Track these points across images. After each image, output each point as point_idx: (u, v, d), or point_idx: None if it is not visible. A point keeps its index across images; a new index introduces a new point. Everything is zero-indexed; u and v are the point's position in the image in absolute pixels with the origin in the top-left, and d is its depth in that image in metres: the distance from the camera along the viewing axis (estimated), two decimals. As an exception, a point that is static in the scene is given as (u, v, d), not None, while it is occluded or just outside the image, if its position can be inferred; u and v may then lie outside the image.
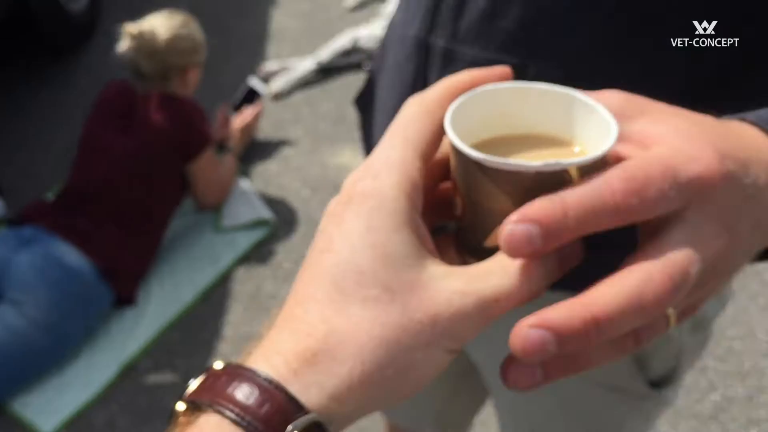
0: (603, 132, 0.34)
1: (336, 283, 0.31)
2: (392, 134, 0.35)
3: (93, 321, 1.95)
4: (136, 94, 2.10)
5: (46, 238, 1.92)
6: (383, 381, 0.31)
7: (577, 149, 0.36)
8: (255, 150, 2.56)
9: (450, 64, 0.67)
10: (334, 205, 0.34)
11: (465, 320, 0.31)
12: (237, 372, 0.31)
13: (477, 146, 0.35)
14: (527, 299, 0.32)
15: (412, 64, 0.71)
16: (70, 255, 1.90)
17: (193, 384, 0.32)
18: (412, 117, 0.35)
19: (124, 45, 2.09)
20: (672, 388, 0.84)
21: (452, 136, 0.33)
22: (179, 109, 2.06)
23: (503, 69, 0.37)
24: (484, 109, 0.36)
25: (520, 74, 0.62)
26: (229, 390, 0.30)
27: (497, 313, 0.32)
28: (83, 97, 2.90)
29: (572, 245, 0.33)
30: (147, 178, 2.05)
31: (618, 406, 0.85)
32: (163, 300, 2.07)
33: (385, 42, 0.79)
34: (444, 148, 0.37)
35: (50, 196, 2.33)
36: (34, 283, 1.83)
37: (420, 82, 0.70)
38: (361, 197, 0.33)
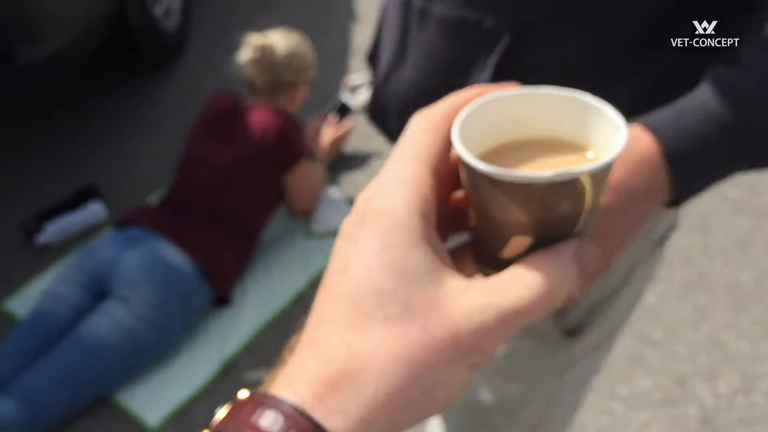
0: (611, 132, 0.33)
1: (355, 305, 0.31)
2: (400, 151, 0.35)
3: (193, 319, 2.01)
4: (240, 106, 2.18)
5: (151, 238, 2.00)
6: (408, 402, 0.30)
7: (589, 153, 0.35)
8: (344, 160, 2.62)
9: (424, 20, 0.77)
10: (347, 225, 0.33)
11: (486, 334, 0.31)
12: (261, 400, 0.30)
13: (486, 155, 0.35)
14: (547, 310, 0.32)
15: (398, 23, 0.82)
16: (174, 255, 1.98)
17: (220, 413, 0.32)
18: (419, 133, 0.35)
19: (245, 55, 2.17)
20: (586, 338, 0.90)
21: (460, 150, 0.32)
22: (278, 123, 2.12)
23: (510, 84, 0.38)
24: (490, 118, 0.36)
25: (476, 28, 0.71)
26: (254, 418, 0.30)
27: (518, 326, 0.31)
28: (174, 111, 3.02)
29: (592, 253, 0.34)
30: (245, 187, 2.13)
31: (532, 351, 0.87)
32: (259, 301, 2.12)
33: (385, 7, 0.91)
34: (454, 159, 0.36)
35: (153, 200, 2.43)
36: (140, 281, 1.91)
37: (403, 37, 0.81)
38: (374, 216, 0.32)
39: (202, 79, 3.18)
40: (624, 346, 1.97)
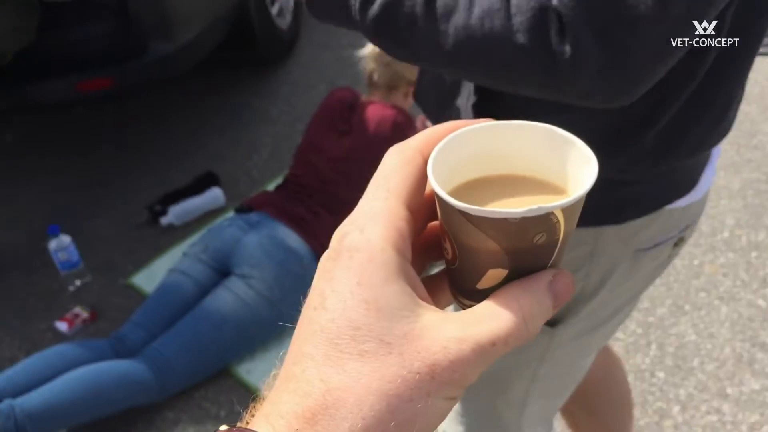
0: (582, 164, 0.34)
1: (331, 340, 0.31)
2: (375, 186, 0.35)
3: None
4: (357, 100, 2.28)
5: (270, 222, 2.12)
6: None
7: (561, 185, 0.36)
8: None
9: None
10: (324, 260, 0.33)
11: (463, 366, 0.31)
12: None
13: (461, 188, 0.36)
14: (524, 340, 0.32)
15: None
16: (291, 238, 2.09)
17: None
18: (393, 167, 0.35)
19: (367, 48, 2.27)
20: (565, 328, 0.98)
21: (435, 187, 0.33)
22: (394, 117, 2.21)
23: (484, 119, 0.38)
24: (463, 151, 0.36)
25: None
26: None
27: (495, 357, 0.32)
28: (285, 105, 3.16)
29: (565, 282, 0.34)
30: (358, 177, 2.22)
31: None
32: (368, 287, 2.21)
33: None
34: (430, 192, 0.36)
35: (267, 187, 2.56)
36: (260, 260, 2.03)
37: None
38: (350, 252, 0.32)
39: (311, 75, 3.31)
40: (733, 348, 1.96)
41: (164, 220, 2.53)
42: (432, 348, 0.30)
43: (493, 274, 0.34)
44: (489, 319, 0.32)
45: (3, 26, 2.27)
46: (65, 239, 2.27)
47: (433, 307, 0.33)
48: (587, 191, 0.32)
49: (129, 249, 2.48)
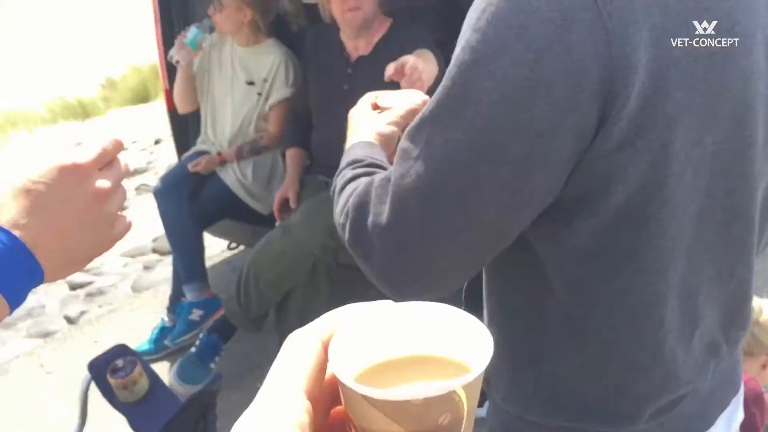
0: (478, 340, 0.34)
1: None
2: (275, 376, 0.34)
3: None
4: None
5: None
6: None
7: (461, 362, 0.35)
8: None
9: None
10: None
11: None
12: None
13: (365, 374, 0.35)
14: None
15: None
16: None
17: None
18: (293, 357, 0.34)
19: None
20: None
21: (337, 372, 0.33)
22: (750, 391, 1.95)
23: (383, 302, 0.38)
24: (365, 335, 0.36)
25: None
26: None
27: None
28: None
29: None
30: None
31: None
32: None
33: None
34: (332, 377, 0.35)
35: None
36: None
37: None
38: None
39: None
40: None
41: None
42: None
43: None
44: None
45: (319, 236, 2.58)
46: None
47: None
48: (485, 368, 0.33)
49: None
